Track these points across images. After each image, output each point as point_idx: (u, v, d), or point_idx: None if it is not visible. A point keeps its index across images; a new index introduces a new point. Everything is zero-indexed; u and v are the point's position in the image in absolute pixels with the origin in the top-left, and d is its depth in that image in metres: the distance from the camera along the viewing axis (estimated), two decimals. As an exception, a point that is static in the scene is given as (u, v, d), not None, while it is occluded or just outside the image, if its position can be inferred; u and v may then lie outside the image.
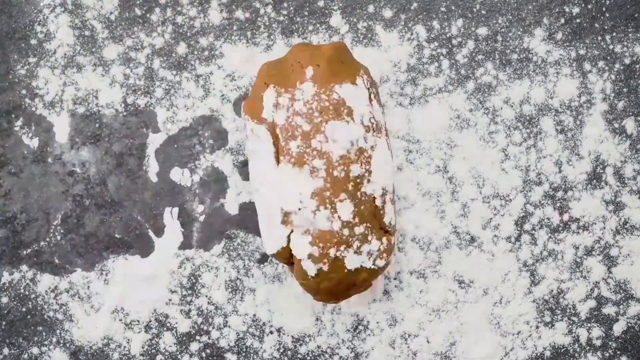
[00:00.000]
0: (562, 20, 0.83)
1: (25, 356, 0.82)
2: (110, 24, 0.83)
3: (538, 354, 0.83)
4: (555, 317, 0.83)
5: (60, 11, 0.82)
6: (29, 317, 0.82)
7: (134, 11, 0.83)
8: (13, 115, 0.82)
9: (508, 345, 0.83)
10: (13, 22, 0.82)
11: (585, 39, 0.82)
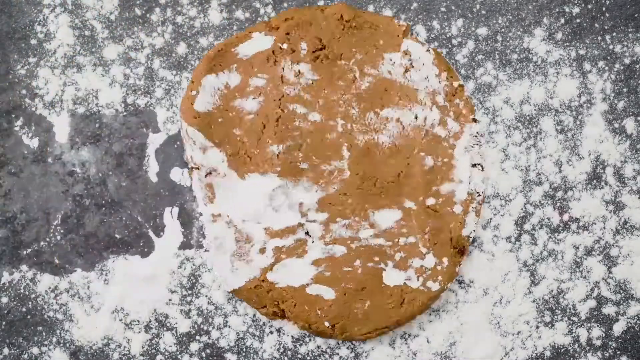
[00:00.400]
0: (562, 20, 0.83)
1: (25, 356, 0.82)
2: (110, 24, 0.83)
3: (538, 354, 0.83)
4: (555, 317, 0.83)
5: (60, 11, 0.82)
6: (29, 317, 0.82)
7: (134, 11, 0.83)
8: (13, 115, 0.82)
9: (508, 345, 0.83)
10: (13, 22, 0.82)
11: (585, 39, 0.82)
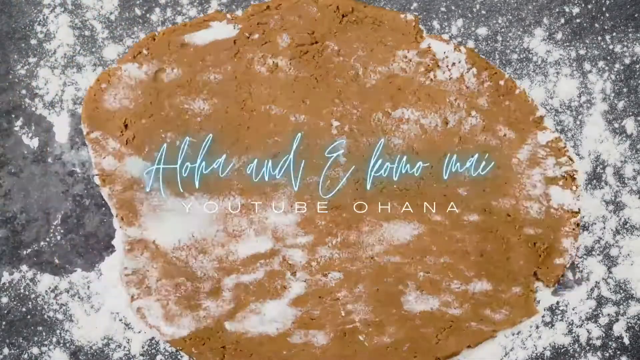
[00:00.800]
0: (562, 20, 0.83)
1: (25, 356, 0.82)
2: (110, 24, 0.83)
3: (538, 354, 0.83)
4: (555, 317, 0.83)
5: (60, 11, 0.82)
6: (29, 317, 0.82)
7: (134, 11, 0.83)
8: (13, 115, 0.82)
9: (508, 345, 0.83)
10: (13, 22, 0.82)
11: (585, 39, 0.82)
